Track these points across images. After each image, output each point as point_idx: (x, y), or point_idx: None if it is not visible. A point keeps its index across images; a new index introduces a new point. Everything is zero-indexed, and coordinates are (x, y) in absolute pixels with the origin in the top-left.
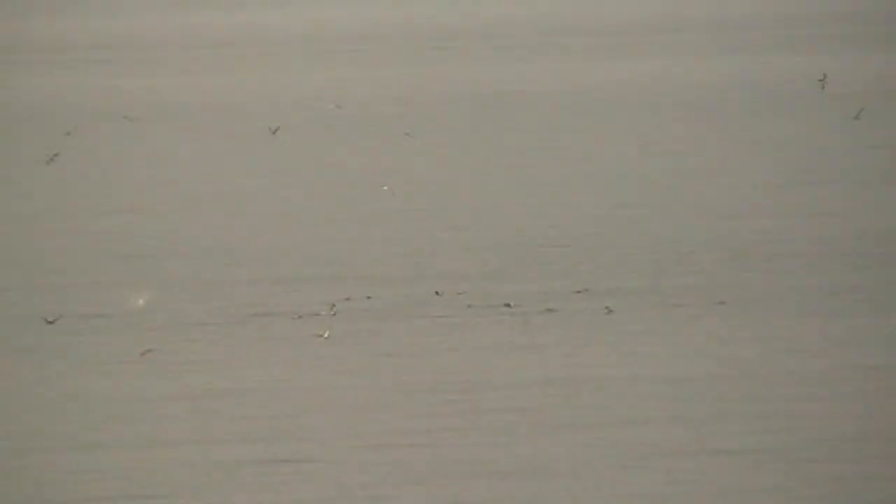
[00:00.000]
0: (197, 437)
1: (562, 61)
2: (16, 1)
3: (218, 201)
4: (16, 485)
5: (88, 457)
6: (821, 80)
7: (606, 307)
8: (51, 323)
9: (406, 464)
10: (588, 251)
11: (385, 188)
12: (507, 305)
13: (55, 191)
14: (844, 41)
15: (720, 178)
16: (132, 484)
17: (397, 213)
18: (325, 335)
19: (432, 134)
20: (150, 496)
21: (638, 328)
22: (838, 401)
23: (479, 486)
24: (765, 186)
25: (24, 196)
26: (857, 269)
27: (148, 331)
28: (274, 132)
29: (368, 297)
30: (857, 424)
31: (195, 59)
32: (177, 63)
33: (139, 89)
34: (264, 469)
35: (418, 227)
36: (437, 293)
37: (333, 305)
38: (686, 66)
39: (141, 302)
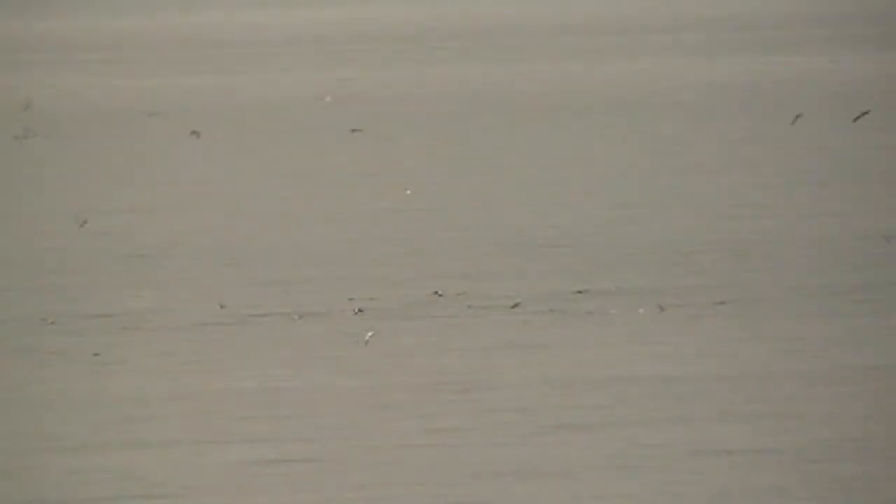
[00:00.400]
0: (195, 438)
1: (562, 61)
2: (15, 1)
3: (217, 201)
4: (16, 485)
5: (87, 457)
6: (858, 118)
7: (645, 308)
8: (51, 323)
9: (406, 464)
10: (588, 251)
11: (408, 192)
12: (508, 305)
13: (54, 189)
14: (846, 41)
15: (721, 177)
16: (130, 484)
17: (397, 212)
18: (368, 336)
19: (432, 133)
20: (149, 496)
21: (638, 328)
22: (839, 401)
23: (480, 487)
24: (765, 186)
25: (22, 195)
26: (857, 269)
27: (147, 331)
28: (274, 132)
29: (371, 298)
30: (859, 425)
31: (196, 58)
32: (177, 62)
33: (140, 89)
34: (264, 470)
35: (418, 226)
36: (437, 293)
37: (360, 310)
38: (686, 66)
39: (139, 302)
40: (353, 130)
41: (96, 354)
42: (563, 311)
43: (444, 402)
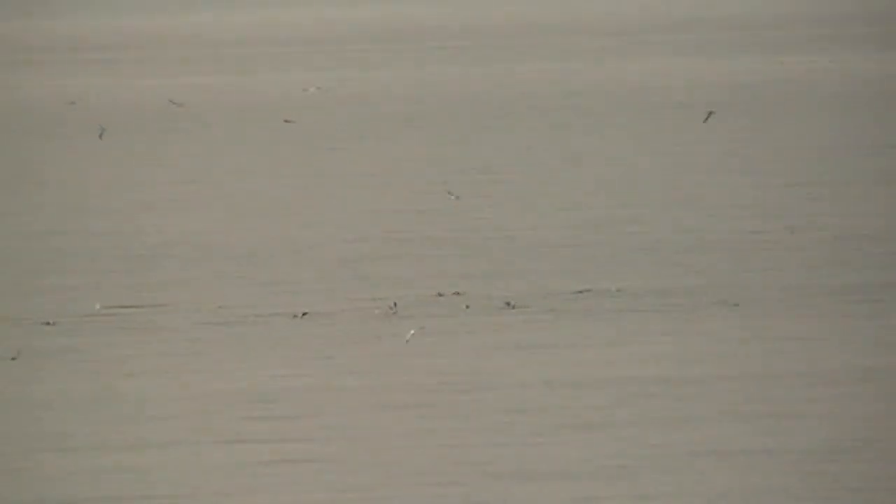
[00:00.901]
0: (196, 438)
1: (562, 61)
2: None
3: (219, 200)
4: (16, 485)
5: (88, 457)
6: None
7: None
8: (51, 325)
9: (407, 464)
10: (590, 251)
11: (452, 197)
12: (509, 305)
13: (55, 189)
14: (847, 41)
15: (722, 177)
16: (131, 485)
17: (397, 213)
18: (411, 334)
19: (432, 133)
20: (150, 496)
21: (640, 328)
22: (840, 401)
23: (481, 487)
24: (766, 186)
25: (22, 195)
26: (858, 269)
27: (147, 330)
28: (276, 129)
29: (372, 299)
30: (861, 425)
31: (196, 56)
32: (179, 61)
33: (140, 88)
34: (265, 470)
35: (418, 227)
36: (439, 294)
37: (395, 304)
38: (687, 66)
39: (141, 302)
40: (286, 121)
41: (13, 358)
42: (564, 311)
43: (445, 403)
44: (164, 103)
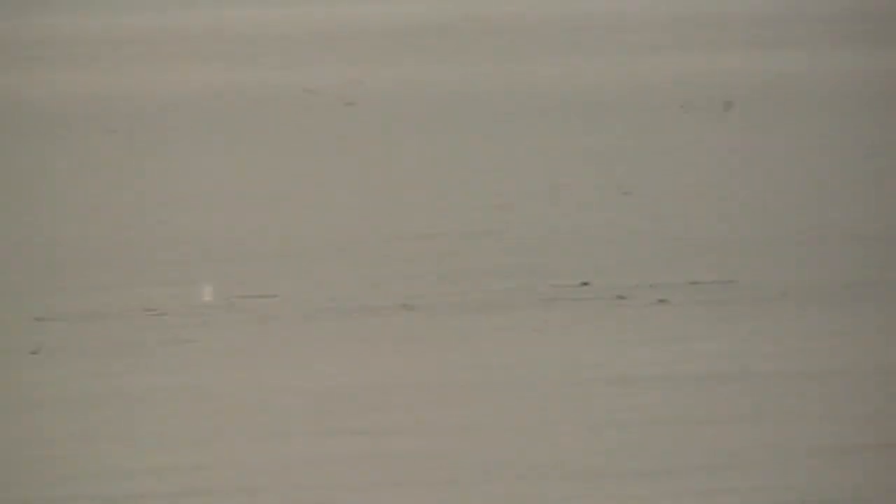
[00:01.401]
0: (200, 437)
1: (570, 58)
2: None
3: (222, 198)
4: (15, 484)
5: (91, 455)
6: None
7: (618, 297)
8: (51, 319)
9: (414, 461)
10: (597, 246)
11: (497, 198)
12: (520, 300)
13: (55, 189)
14: (846, 39)
15: (724, 177)
16: (137, 484)
17: (411, 209)
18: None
19: (438, 133)
20: (157, 495)
21: (642, 324)
22: (843, 401)
23: (488, 486)
24: (767, 185)
25: (23, 195)
26: (860, 268)
27: (148, 329)
28: (276, 127)
29: (388, 294)
30: (864, 424)
31: (195, 53)
32: (180, 57)
33: (145, 86)
34: (271, 468)
35: (433, 223)
36: (455, 288)
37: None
38: (688, 64)
39: (143, 302)
40: (307, 89)
41: (37, 351)
42: (569, 303)
43: (457, 398)
44: (164, 100)
